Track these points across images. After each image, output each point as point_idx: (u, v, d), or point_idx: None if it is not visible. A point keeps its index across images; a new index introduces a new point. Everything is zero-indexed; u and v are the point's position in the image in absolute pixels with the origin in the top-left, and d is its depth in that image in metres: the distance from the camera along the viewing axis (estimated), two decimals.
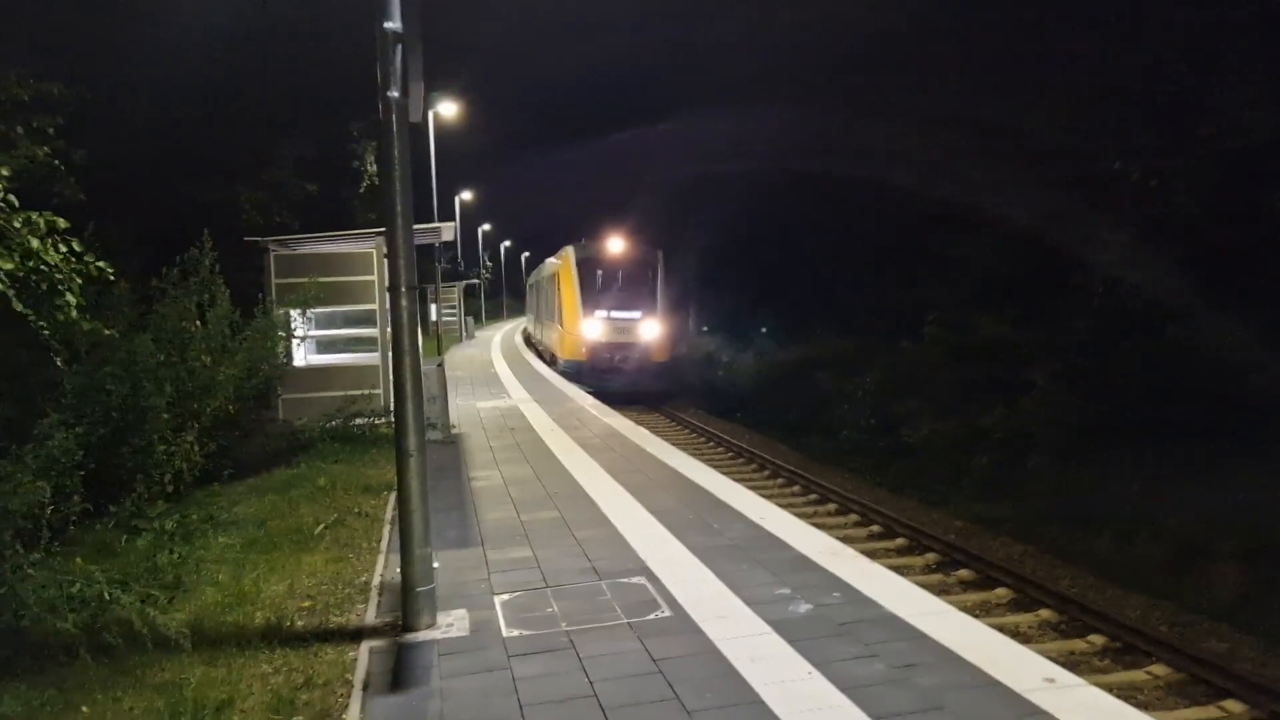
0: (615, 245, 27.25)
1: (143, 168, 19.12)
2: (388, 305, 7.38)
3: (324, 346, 17.29)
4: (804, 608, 5.88)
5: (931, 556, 11.38)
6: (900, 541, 12.03)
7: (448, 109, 29.11)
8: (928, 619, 5.62)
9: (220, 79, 20.77)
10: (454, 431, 14.05)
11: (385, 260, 8.94)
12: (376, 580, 7.01)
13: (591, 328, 26.22)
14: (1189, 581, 11.00)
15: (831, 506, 14.02)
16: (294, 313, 14.24)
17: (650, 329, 26.43)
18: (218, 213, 19.17)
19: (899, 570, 8.81)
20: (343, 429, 13.92)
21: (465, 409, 17.15)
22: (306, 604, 6.60)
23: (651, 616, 5.85)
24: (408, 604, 5.84)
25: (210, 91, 20.79)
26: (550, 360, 29.87)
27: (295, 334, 14.12)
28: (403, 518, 5.78)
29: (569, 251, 27.78)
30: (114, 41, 18.28)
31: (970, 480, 16.32)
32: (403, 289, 5.77)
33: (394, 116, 5.76)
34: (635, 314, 26.40)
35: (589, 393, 20.49)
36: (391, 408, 14.57)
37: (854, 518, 13.27)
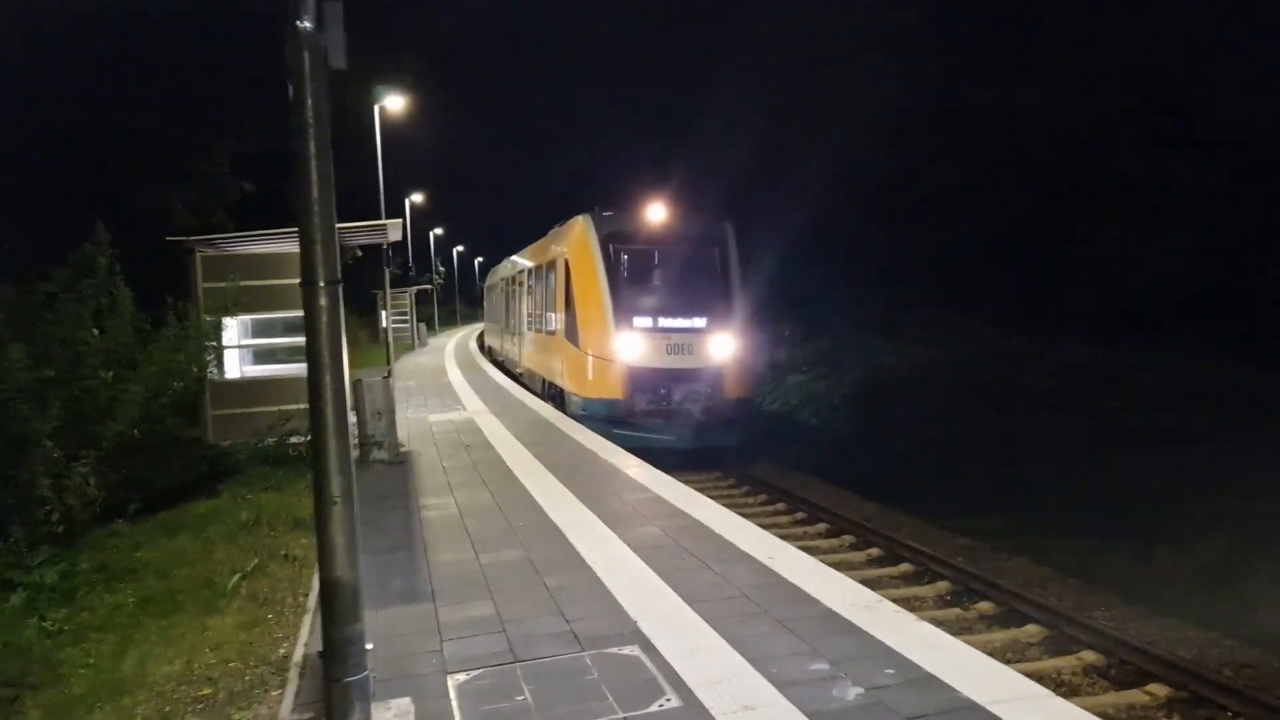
0: (658, 214, 17.24)
1: (39, 163, 17.38)
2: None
3: (262, 356, 15.72)
4: (853, 692, 4.54)
5: None
6: None
7: (395, 103, 27.40)
8: (1019, 709, 4.31)
9: (135, 64, 19.06)
10: (402, 450, 12.56)
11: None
12: (299, 654, 5.55)
13: (630, 346, 16.00)
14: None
15: None
16: (229, 320, 12.71)
17: (723, 346, 16.24)
18: (142, 214, 17.52)
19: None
20: (276, 450, 12.39)
21: (416, 423, 15.65)
22: (205, 692, 5.14)
23: (655, 708, 4.48)
24: (332, 700, 4.41)
25: (121, 79, 19.06)
26: (550, 396, 19.53)
27: (222, 343, 12.57)
28: (324, 589, 4.36)
29: (583, 224, 17.40)
30: None
31: None
32: (320, 283, 4.34)
33: (305, 55, 4.32)
34: (699, 322, 16.39)
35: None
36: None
37: None
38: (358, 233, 15.24)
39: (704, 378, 16.17)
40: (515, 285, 27.05)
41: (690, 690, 4.63)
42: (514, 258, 28.30)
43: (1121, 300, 26.22)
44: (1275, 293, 23.80)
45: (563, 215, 21.61)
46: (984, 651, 7.63)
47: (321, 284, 4.34)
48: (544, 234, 23.05)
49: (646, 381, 16.12)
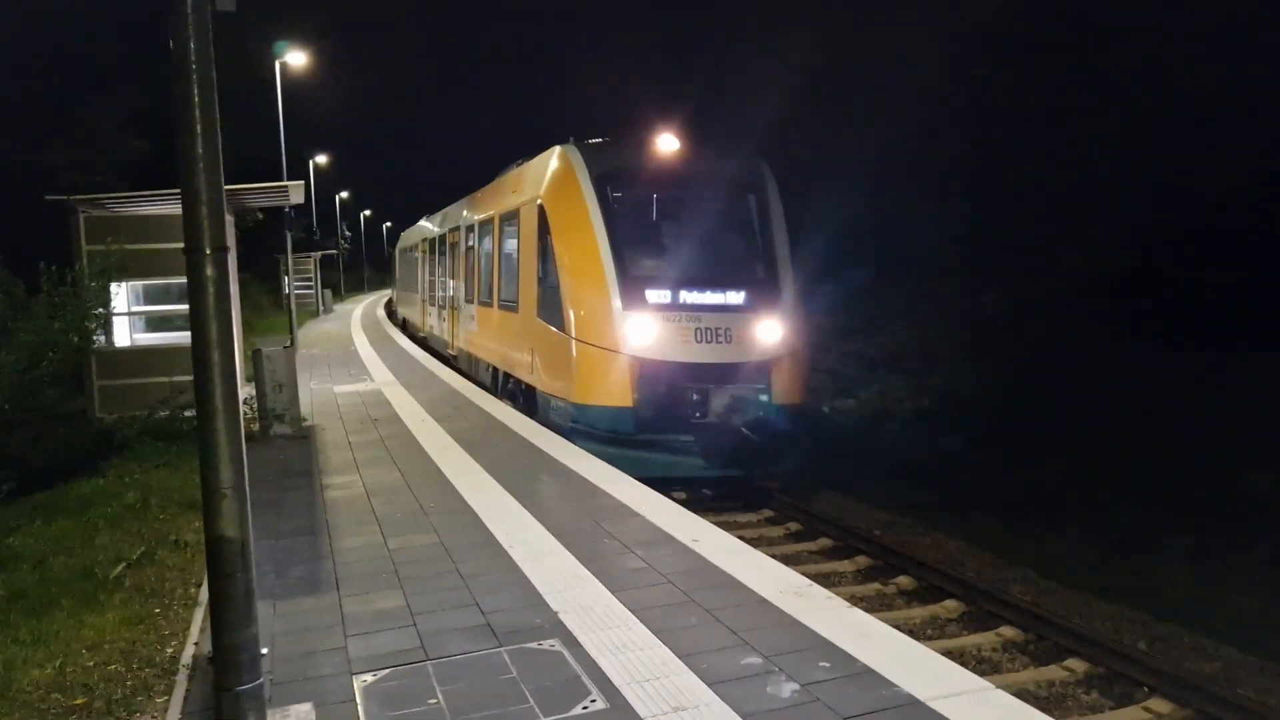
0: (671, 145, 12.47)
1: None
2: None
3: (156, 323, 14.84)
4: (788, 689, 4.31)
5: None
6: None
7: (297, 59, 26.24)
8: (960, 704, 4.13)
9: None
10: (306, 424, 11.97)
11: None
12: (188, 655, 5.09)
13: (643, 331, 11.30)
14: None
15: None
16: (118, 286, 11.90)
17: (770, 330, 11.63)
18: (14, 173, 16.31)
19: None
20: (169, 424, 11.70)
21: (320, 394, 15.00)
22: (79, 701, 4.65)
23: (579, 711, 4.18)
24: (223, 711, 3.99)
25: None
26: (509, 394, 14.92)
27: (110, 310, 11.77)
28: (213, 588, 3.93)
29: (566, 159, 12.52)
30: None
31: None
32: (207, 250, 3.88)
33: None
34: (736, 296, 11.75)
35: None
36: (243, 399, 12.50)
37: None
38: (256, 194, 14.44)
39: (745, 375, 11.49)
40: (447, 247, 21.96)
41: (617, 690, 4.33)
42: (446, 210, 23.45)
43: None
44: None
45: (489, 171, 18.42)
46: (904, 629, 7.60)
47: (208, 251, 3.88)
48: (485, 183, 18.72)
49: (668, 379, 11.28)
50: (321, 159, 53.42)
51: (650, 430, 11.18)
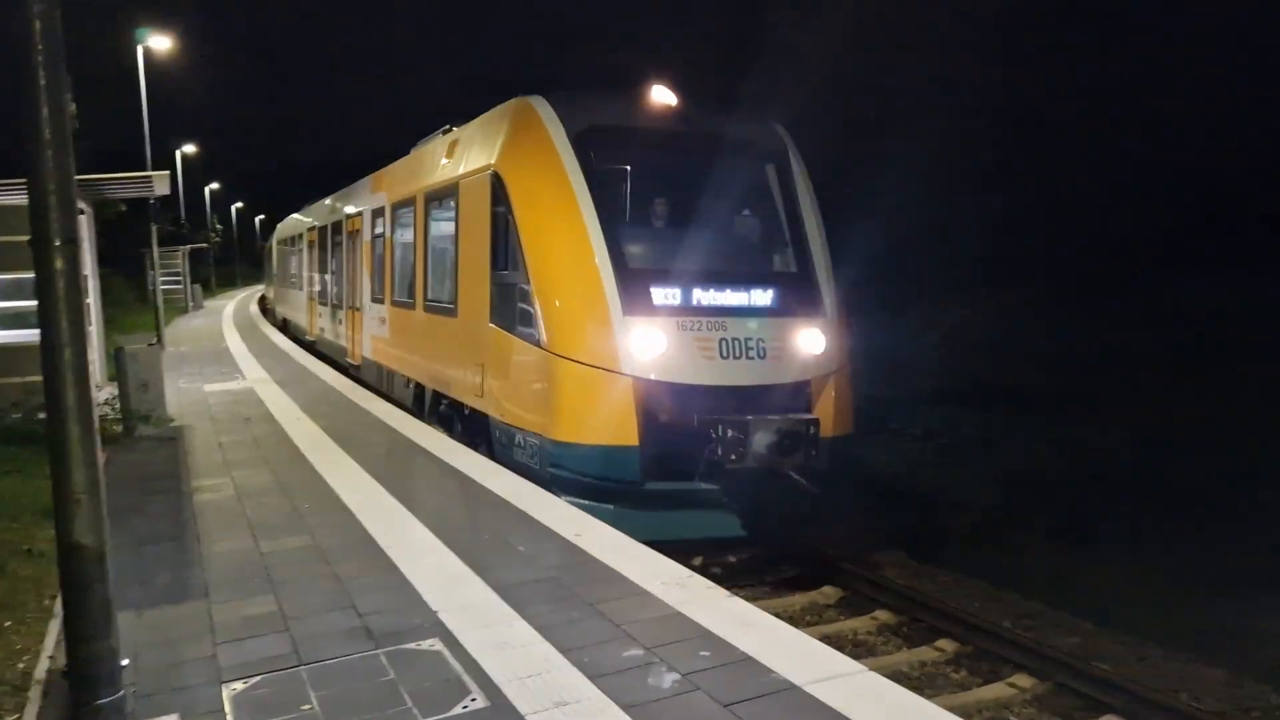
0: (666, 97, 9.70)
1: None
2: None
3: (11, 321, 14.01)
4: (669, 679, 4.35)
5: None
6: None
7: (161, 44, 25.05)
8: (835, 687, 4.24)
9: None
10: (173, 425, 11.48)
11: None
12: (42, 669, 4.82)
13: (650, 342, 8.46)
14: None
15: None
16: None
17: (812, 341, 9.08)
18: None
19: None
20: (23, 426, 11.07)
21: (189, 394, 14.40)
22: None
23: (459, 710, 4.12)
24: None
25: None
26: (442, 418, 12.00)
27: None
28: (67, 599, 3.72)
29: (533, 113, 9.57)
30: None
31: None
32: (55, 242, 3.67)
33: None
34: (764, 296, 9.10)
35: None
36: (106, 399, 11.86)
37: None
38: (116, 184, 13.79)
39: (790, 402, 8.78)
40: (344, 236, 18.46)
41: (498, 688, 4.29)
42: (343, 193, 19.98)
43: None
44: None
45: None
46: (784, 616, 7.78)
47: (56, 243, 3.66)
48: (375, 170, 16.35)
49: (685, 410, 8.46)
50: (190, 149, 51.22)
51: (663, 477, 8.37)
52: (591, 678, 4.36)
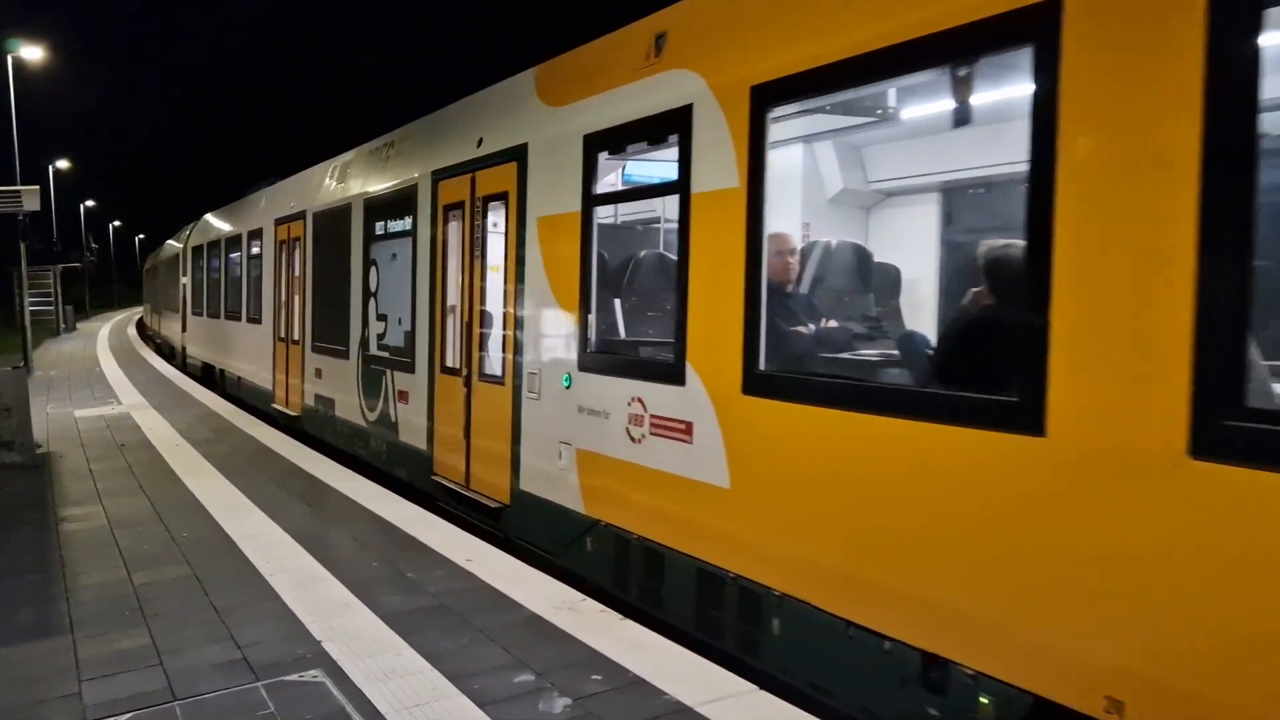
0: None
1: None
2: None
3: None
4: (560, 704, 4.29)
5: None
6: None
7: (33, 54, 24.01)
8: (727, 707, 4.25)
9: None
10: (39, 452, 10.90)
11: None
12: None
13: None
14: None
15: None
16: None
17: None
18: None
19: None
20: None
21: (59, 419, 13.72)
22: None
23: None
24: None
25: None
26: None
27: None
28: None
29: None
30: None
31: None
32: None
33: None
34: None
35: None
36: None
37: None
38: None
39: None
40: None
41: (384, 718, 4.18)
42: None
43: None
44: None
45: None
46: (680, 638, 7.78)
47: None
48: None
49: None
50: (63, 164, 49.09)
51: None
52: (482, 705, 4.28)
